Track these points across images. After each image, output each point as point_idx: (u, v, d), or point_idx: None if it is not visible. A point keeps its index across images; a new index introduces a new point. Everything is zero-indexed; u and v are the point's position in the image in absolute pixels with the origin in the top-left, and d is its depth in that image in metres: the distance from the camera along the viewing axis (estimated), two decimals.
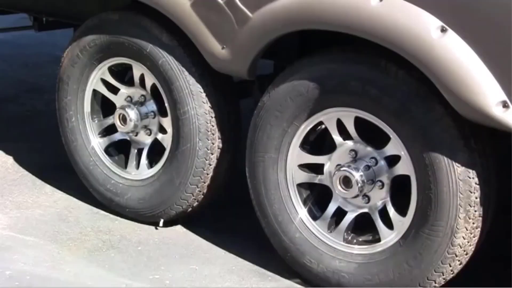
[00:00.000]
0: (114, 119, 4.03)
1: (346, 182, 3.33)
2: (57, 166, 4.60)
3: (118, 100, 4.05)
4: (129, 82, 4.03)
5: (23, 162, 4.74)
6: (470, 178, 3.06)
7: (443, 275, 3.21)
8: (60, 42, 5.33)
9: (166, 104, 3.84)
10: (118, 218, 4.11)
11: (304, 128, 3.43)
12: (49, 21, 4.63)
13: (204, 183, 3.84)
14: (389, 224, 3.33)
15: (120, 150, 4.16)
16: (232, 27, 3.44)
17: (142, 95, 3.99)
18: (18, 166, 4.70)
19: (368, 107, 3.21)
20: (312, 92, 3.32)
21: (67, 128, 4.18)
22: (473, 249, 3.20)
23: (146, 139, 4.02)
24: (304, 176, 3.52)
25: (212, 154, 3.78)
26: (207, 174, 3.82)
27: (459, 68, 2.89)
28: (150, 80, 3.90)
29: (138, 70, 3.93)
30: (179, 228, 4.04)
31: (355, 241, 3.45)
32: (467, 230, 3.11)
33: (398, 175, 3.28)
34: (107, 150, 4.15)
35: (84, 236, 3.95)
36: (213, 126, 3.76)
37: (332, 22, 3.16)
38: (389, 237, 3.32)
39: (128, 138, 4.08)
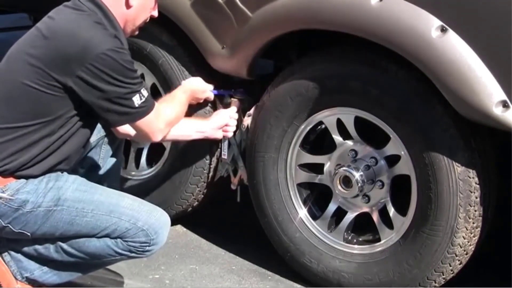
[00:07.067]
0: None
1: (346, 181, 3.34)
2: None
3: None
4: None
5: None
6: (470, 178, 3.06)
7: (443, 274, 3.21)
8: None
9: None
10: None
11: (304, 128, 3.43)
12: None
13: (204, 182, 3.84)
14: (389, 224, 3.33)
15: None
16: (232, 26, 3.43)
17: None
18: None
19: (368, 107, 3.21)
20: (312, 92, 3.32)
21: None
22: (473, 248, 3.20)
23: None
24: (304, 176, 3.52)
25: (212, 153, 3.78)
26: (207, 174, 3.82)
27: (459, 68, 2.88)
28: (150, 80, 3.90)
29: (138, 70, 3.91)
30: (179, 228, 4.04)
31: (355, 240, 3.45)
32: (467, 229, 3.11)
33: (398, 174, 3.28)
34: None
35: None
36: None
37: (332, 22, 3.16)
38: (389, 237, 3.32)
39: (128, 138, 4.07)
